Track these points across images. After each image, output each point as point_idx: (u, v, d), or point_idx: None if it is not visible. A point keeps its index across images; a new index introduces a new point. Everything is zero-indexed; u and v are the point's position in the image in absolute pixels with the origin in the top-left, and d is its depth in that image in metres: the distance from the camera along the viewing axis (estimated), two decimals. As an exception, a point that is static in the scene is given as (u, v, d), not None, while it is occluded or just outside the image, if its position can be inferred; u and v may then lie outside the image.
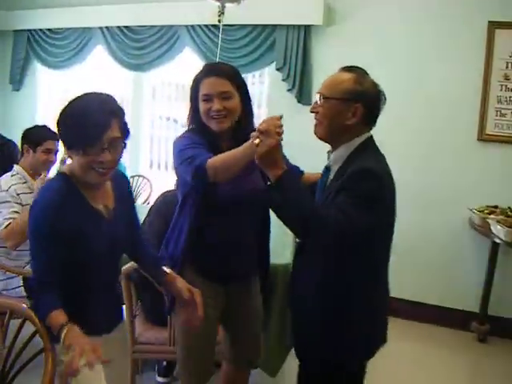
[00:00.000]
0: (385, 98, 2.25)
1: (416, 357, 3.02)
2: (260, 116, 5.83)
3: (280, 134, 2.06)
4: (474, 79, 4.84)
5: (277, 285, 3.21)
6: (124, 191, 2.30)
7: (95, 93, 2.01)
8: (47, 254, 1.94)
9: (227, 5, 4.42)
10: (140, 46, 5.97)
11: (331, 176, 2.24)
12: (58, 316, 1.87)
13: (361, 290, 2.18)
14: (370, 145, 2.23)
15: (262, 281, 2.76)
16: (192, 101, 2.49)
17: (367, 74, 2.27)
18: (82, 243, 2.00)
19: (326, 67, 5.22)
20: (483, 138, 4.86)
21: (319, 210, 2.05)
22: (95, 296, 2.10)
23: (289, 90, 5.37)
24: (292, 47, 5.29)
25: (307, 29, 5.29)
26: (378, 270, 2.27)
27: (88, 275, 2.05)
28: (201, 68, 2.51)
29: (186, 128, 2.57)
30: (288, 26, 5.28)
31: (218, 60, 5.37)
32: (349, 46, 5.18)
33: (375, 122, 2.26)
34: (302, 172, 2.75)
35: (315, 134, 2.29)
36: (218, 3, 4.42)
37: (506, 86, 4.80)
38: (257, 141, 2.04)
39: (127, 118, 2.06)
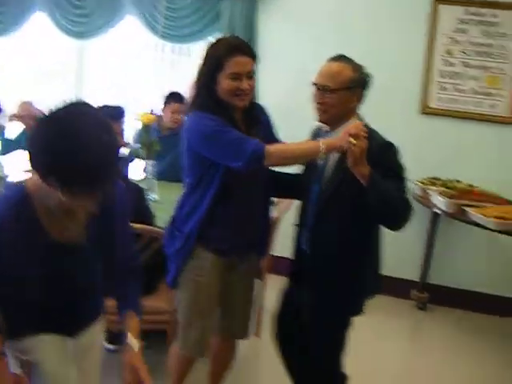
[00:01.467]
0: (371, 78, 2.57)
1: (357, 325, 3.09)
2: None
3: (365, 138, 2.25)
4: (417, 54, 4.93)
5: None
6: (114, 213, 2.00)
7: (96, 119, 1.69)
8: None
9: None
10: (82, 12, 5.80)
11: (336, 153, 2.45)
12: None
13: (371, 247, 2.66)
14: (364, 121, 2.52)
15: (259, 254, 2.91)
16: (208, 76, 2.46)
17: (354, 61, 2.52)
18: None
19: (271, 39, 5.25)
20: (426, 111, 4.97)
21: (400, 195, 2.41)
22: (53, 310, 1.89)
23: (234, 61, 5.33)
24: (238, 17, 5.23)
25: (253, 0, 5.25)
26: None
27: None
28: (219, 44, 2.50)
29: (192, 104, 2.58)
30: (234, -4, 5.23)
31: (161, 28, 5.31)
32: (295, 18, 5.19)
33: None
34: None
35: (320, 120, 2.55)
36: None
37: (449, 60, 4.91)
38: (354, 141, 2.21)
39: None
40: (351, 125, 2.33)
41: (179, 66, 6.10)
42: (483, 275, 5.01)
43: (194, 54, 5.94)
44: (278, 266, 4.37)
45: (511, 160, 4.85)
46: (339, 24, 5.08)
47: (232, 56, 2.39)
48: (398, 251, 5.10)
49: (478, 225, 4.05)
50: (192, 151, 2.52)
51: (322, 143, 2.32)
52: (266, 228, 2.87)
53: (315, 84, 2.48)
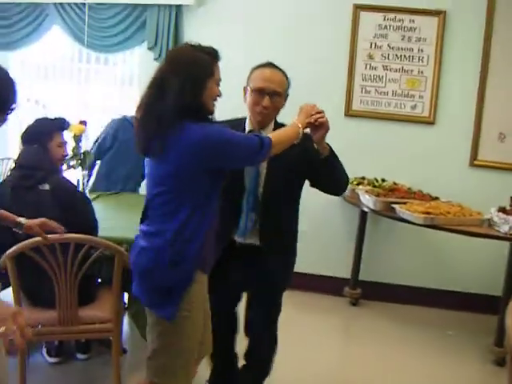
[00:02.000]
0: None
1: (291, 322, 3.19)
2: (131, 95, 5.83)
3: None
4: (341, 58, 5.09)
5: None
6: None
7: None
8: None
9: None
10: (7, 23, 5.71)
11: None
12: None
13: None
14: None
15: None
16: (198, 83, 2.34)
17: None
18: None
19: (198, 46, 5.30)
20: (350, 113, 5.14)
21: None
22: None
23: (161, 69, 5.35)
24: (163, 27, 5.26)
25: (178, 8, 5.29)
26: None
27: None
28: (205, 52, 2.41)
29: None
30: (159, 6, 5.25)
31: (86, 38, 5.29)
32: (220, 25, 5.26)
33: None
34: None
35: (259, 122, 2.74)
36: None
37: (370, 64, 5.10)
38: (325, 118, 2.57)
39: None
40: (307, 106, 2.62)
41: (104, 76, 6.08)
42: (412, 269, 5.20)
43: (119, 63, 5.97)
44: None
45: (433, 158, 5.07)
46: (265, 30, 5.18)
47: (217, 62, 2.43)
48: (330, 251, 5.26)
49: (405, 221, 4.19)
50: (195, 169, 2.33)
51: (298, 123, 2.54)
52: None
53: (262, 89, 2.64)
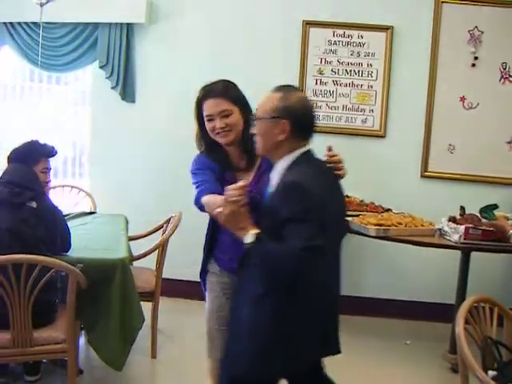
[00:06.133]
0: (313, 113, 2.34)
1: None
2: (83, 114, 5.81)
3: (239, 203, 2.20)
4: (292, 74, 5.14)
5: (115, 279, 3.29)
6: None
7: None
8: None
9: (48, 3, 4.36)
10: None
11: (272, 189, 2.29)
12: None
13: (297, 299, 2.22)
14: (303, 159, 2.29)
15: None
16: (198, 120, 2.71)
17: (299, 90, 2.42)
18: None
19: (149, 64, 5.34)
20: (302, 129, 5.19)
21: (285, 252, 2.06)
22: None
23: (113, 88, 5.35)
24: (115, 45, 5.26)
25: (130, 27, 5.29)
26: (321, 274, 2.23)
27: None
28: (200, 91, 2.69)
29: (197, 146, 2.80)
30: (110, 24, 5.25)
31: (39, 59, 5.25)
32: (172, 44, 5.31)
33: (309, 135, 2.33)
34: None
35: (256, 150, 2.42)
36: (37, 0, 4.35)
37: (321, 80, 5.18)
38: (219, 209, 2.22)
39: None
40: (229, 188, 2.22)
41: (56, 95, 6.04)
42: (366, 280, 5.28)
43: (72, 82, 5.94)
44: (166, 288, 4.44)
45: (384, 170, 5.15)
46: (217, 49, 5.23)
47: (205, 100, 2.65)
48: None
49: (358, 233, 4.24)
50: None
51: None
52: None
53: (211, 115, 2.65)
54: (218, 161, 2.69)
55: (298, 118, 2.25)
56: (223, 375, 2.46)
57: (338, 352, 2.48)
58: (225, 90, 2.65)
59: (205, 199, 2.51)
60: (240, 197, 2.20)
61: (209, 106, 2.64)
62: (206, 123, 2.66)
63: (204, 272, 2.86)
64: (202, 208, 2.55)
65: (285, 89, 2.34)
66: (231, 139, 2.63)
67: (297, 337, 2.24)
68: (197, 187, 2.62)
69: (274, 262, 2.10)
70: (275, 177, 2.31)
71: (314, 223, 2.06)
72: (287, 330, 2.23)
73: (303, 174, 2.19)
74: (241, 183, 2.23)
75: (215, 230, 2.75)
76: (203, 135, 2.72)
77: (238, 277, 2.49)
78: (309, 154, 2.33)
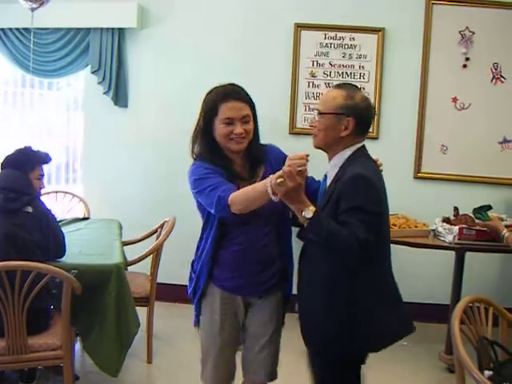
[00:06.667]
0: (375, 111, 2.50)
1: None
2: (75, 119, 5.81)
3: (302, 174, 2.14)
4: (284, 77, 5.16)
5: (110, 285, 3.29)
6: None
7: None
8: None
9: (39, 8, 4.37)
10: None
11: (328, 183, 2.43)
12: None
13: (366, 283, 2.33)
14: (361, 154, 2.40)
15: (283, 293, 2.74)
16: (205, 121, 2.52)
17: (358, 89, 2.46)
18: None
19: (141, 69, 5.33)
20: (294, 131, 5.22)
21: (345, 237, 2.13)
22: None
23: (105, 93, 5.34)
24: (106, 50, 5.26)
25: (121, 31, 5.30)
26: (383, 263, 2.45)
27: None
28: (216, 90, 2.54)
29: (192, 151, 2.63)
30: (102, 29, 5.25)
31: (31, 64, 5.25)
32: (164, 48, 5.31)
33: (367, 132, 2.45)
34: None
35: (314, 145, 2.45)
36: (28, 5, 4.35)
37: (313, 82, 5.19)
38: (279, 180, 2.10)
39: None
40: (289, 157, 2.21)
41: (48, 101, 6.03)
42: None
43: (64, 87, 5.94)
44: (161, 292, 4.43)
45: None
46: (208, 53, 5.23)
47: (225, 101, 2.46)
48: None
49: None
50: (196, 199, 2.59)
51: (269, 181, 2.17)
52: (285, 268, 2.71)
53: (313, 109, 2.55)
54: (223, 168, 2.51)
55: (362, 116, 2.37)
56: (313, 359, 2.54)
57: (414, 330, 2.64)
58: (247, 95, 2.55)
59: (234, 196, 2.32)
60: (303, 167, 2.14)
61: (230, 109, 2.46)
62: (219, 126, 2.48)
63: (200, 295, 2.65)
64: (225, 210, 2.33)
65: (348, 87, 2.44)
66: (243, 147, 2.52)
67: (375, 316, 2.36)
68: (213, 189, 2.39)
69: (334, 244, 2.16)
70: (332, 171, 2.40)
71: (376, 215, 2.22)
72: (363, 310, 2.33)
73: (367, 168, 2.33)
74: (302, 154, 2.20)
75: (218, 243, 2.56)
76: (207, 138, 2.54)
77: (300, 265, 2.51)
78: (365, 150, 2.45)
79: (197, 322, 2.71)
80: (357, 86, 2.49)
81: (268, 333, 2.68)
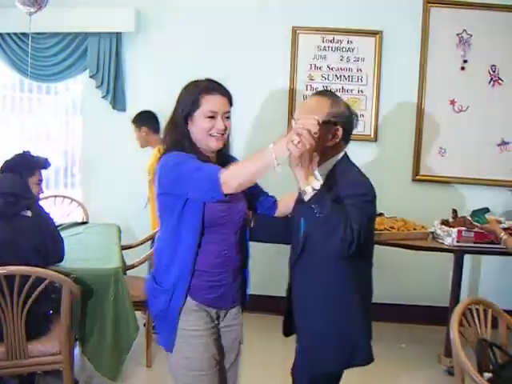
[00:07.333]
0: (357, 118, 2.39)
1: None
2: (74, 124, 5.80)
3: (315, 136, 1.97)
4: (282, 81, 5.18)
5: (109, 289, 3.29)
6: None
7: None
8: None
9: (37, 13, 4.37)
10: None
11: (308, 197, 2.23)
12: None
13: (361, 292, 2.40)
14: (346, 161, 2.34)
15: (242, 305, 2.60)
16: (184, 114, 2.35)
17: (338, 97, 2.36)
18: None
19: (139, 73, 5.34)
20: (293, 135, 5.20)
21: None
22: None
23: (103, 97, 5.35)
24: (104, 54, 5.28)
25: (119, 36, 5.32)
26: (370, 271, 2.50)
27: None
28: (197, 84, 2.42)
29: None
30: (100, 34, 5.27)
31: (29, 69, 5.25)
32: (161, 52, 5.31)
33: (349, 140, 2.36)
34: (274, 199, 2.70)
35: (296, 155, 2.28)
36: (26, 10, 4.36)
37: (311, 85, 5.20)
38: (296, 141, 1.91)
39: None
40: (303, 118, 2.02)
41: (46, 105, 6.04)
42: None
43: (62, 92, 5.94)
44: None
45: (376, 175, 5.06)
46: (205, 56, 5.21)
47: (210, 94, 2.33)
48: (276, 271, 5.26)
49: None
50: (163, 195, 2.35)
51: (272, 147, 2.00)
52: (244, 277, 2.58)
53: (292, 119, 2.29)
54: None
55: (348, 124, 2.31)
56: (303, 375, 2.46)
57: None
58: (229, 92, 2.41)
59: (228, 172, 2.10)
60: (316, 127, 1.96)
61: (216, 102, 2.32)
62: (200, 120, 2.32)
63: (176, 314, 2.33)
64: (216, 189, 2.10)
65: (330, 94, 2.36)
66: (222, 145, 2.37)
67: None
68: (198, 169, 2.18)
69: (335, 223, 2.06)
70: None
71: (368, 213, 2.21)
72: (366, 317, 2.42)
73: (359, 172, 2.33)
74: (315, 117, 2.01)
75: (197, 248, 2.32)
76: (182, 132, 2.36)
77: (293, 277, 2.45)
78: (347, 157, 2.37)
79: (168, 345, 2.37)
80: (336, 94, 2.41)
81: (236, 347, 2.56)
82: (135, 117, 4.86)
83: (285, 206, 2.64)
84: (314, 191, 2.06)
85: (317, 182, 2.07)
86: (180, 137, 2.36)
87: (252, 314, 5.03)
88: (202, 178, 2.15)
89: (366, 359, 2.42)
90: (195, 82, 2.45)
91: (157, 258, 2.44)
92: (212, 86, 2.38)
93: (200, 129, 2.33)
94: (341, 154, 2.33)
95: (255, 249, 2.61)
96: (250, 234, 2.60)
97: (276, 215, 2.66)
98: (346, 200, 2.14)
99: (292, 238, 2.48)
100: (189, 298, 2.33)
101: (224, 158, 2.42)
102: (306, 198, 2.08)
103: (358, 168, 2.36)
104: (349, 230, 2.05)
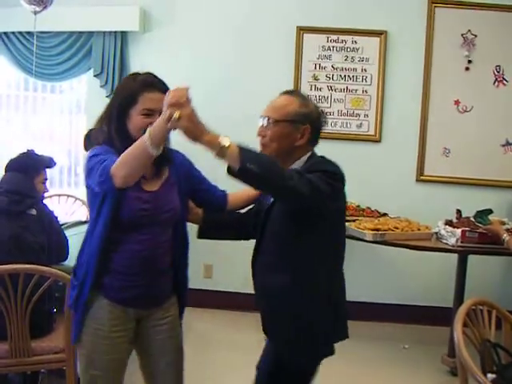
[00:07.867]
0: (325, 118, 2.40)
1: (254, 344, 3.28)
2: (78, 123, 5.81)
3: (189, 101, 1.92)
4: (286, 81, 5.14)
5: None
6: None
7: None
8: None
9: (42, 12, 4.38)
10: None
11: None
12: None
13: (325, 284, 2.31)
14: (315, 156, 2.31)
15: (179, 307, 2.56)
16: (120, 110, 2.27)
17: (307, 97, 2.36)
18: None
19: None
20: (296, 134, 5.20)
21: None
22: None
23: (108, 96, 5.33)
24: (109, 53, 5.28)
25: (124, 35, 5.32)
26: (338, 263, 2.46)
27: None
28: (136, 78, 2.32)
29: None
30: (104, 33, 5.27)
31: (34, 68, 5.25)
32: (166, 51, 5.32)
33: (318, 140, 2.35)
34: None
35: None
36: (31, 9, 4.37)
37: (315, 85, 5.20)
38: (177, 114, 1.86)
39: None
40: (170, 91, 1.98)
41: (51, 104, 6.04)
42: (364, 285, 5.22)
43: (67, 91, 5.94)
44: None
45: (380, 175, 5.16)
46: (210, 56, 5.23)
47: (148, 91, 2.23)
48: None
49: (355, 238, 4.21)
50: (86, 188, 2.33)
51: (147, 131, 1.98)
52: (178, 279, 2.53)
53: (260, 116, 2.32)
54: None
55: (317, 124, 2.30)
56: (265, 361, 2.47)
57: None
58: (168, 88, 2.19)
59: (119, 159, 2.03)
60: (187, 97, 1.93)
61: (153, 100, 2.21)
62: (136, 117, 2.23)
63: (83, 309, 2.31)
64: (108, 181, 2.04)
65: (298, 93, 2.38)
66: None
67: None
68: (102, 162, 2.10)
69: (280, 172, 1.98)
70: None
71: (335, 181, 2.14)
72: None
73: (329, 160, 2.26)
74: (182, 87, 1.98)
75: (108, 247, 2.28)
76: (117, 128, 2.27)
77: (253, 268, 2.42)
78: (315, 153, 2.35)
79: (77, 340, 2.36)
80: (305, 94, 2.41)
81: (171, 347, 2.51)
82: None
83: (237, 198, 2.62)
84: (227, 150, 1.91)
85: (224, 139, 1.92)
86: (113, 133, 2.29)
87: (252, 314, 5.08)
88: (100, 170, 2.09)
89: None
90: (133, 75, 2.37)
91: (78, 254, 2.41)
92: (152, 82, 2.28)
93: (136, 126, 2.24)
94: (308, 154, 2.31)
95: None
96: (199, 232, 2.60)
97: (228, 209, 2.62)
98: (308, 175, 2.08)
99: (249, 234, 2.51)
100: (101, 296, 2.31)
101: (160, 155, 2.12)
102: (233, 160, 1.91)
103: (328, 158, 2.30)
104: (297, 174, 2.00)
